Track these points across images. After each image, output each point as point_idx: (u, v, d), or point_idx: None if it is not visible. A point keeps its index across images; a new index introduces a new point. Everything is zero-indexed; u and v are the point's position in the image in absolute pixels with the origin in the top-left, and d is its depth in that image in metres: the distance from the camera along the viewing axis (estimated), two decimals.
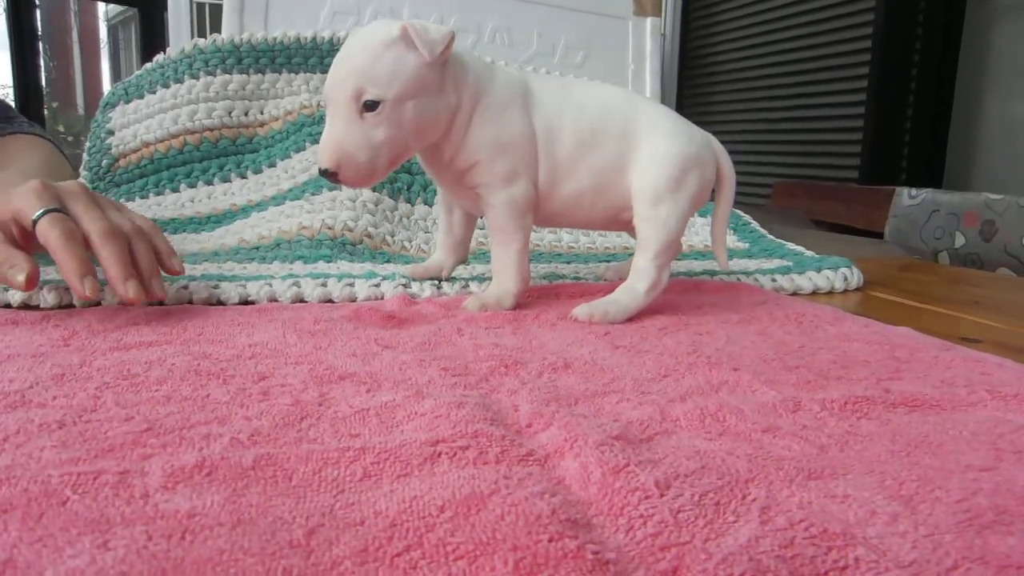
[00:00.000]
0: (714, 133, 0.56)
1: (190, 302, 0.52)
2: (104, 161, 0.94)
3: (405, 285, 0.57)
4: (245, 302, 0.53)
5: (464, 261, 0.61)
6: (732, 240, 0.84)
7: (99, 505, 0.23)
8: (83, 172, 0.95)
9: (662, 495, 0.24)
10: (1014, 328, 0.53)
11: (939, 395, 0.35)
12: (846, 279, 0.65)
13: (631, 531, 0.22)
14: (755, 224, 0.89)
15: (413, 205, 0.80)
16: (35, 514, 0.22)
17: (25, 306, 0.50)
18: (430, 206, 0.80)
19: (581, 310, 0.49)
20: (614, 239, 0.84)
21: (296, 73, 0.97)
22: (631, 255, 0.54)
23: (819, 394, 0.35)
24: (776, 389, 0.36)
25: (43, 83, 2.30)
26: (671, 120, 0.53)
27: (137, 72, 0.99)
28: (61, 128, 4.23)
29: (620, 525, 0.23)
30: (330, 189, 0.76)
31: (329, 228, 0.70)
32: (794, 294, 0.63)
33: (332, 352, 0.40)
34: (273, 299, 0.54)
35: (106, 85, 5.00)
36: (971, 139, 1.47)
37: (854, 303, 0.61)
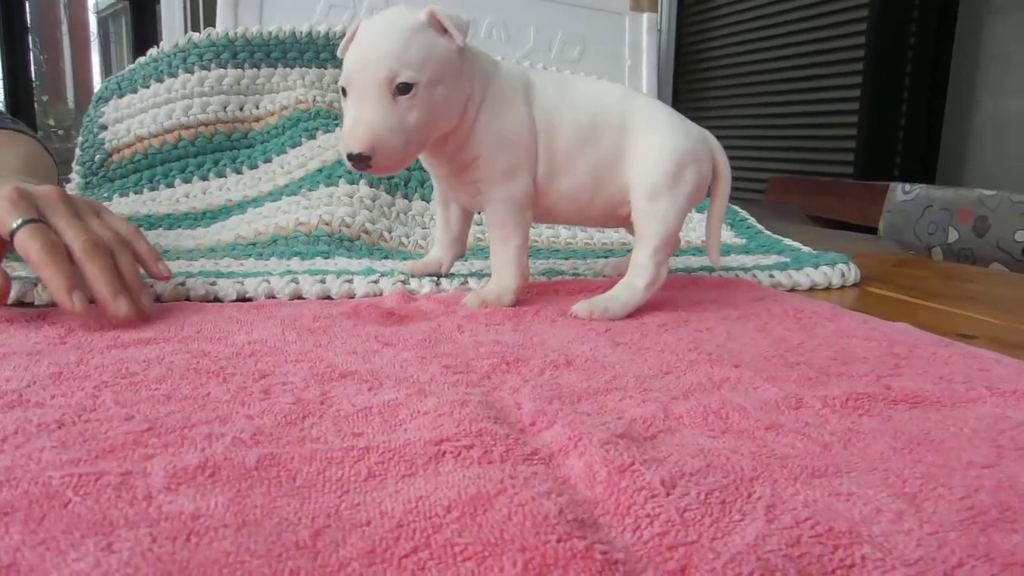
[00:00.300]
0: (709, 128, 0.56)
1: (187, 299, 0.52)
2: (97, 156, 0.93)
3: (404, 281, 0.57)
4: (243, 299, 0.53)
5: (462, 256, 0.61)
6: (729, 236, 0.84)
7: (102, 507, 0.23)
8: (76, 167, 0.94)
9: (668, 494, 0.24)
10: (1010, 324, 0.53)
11: (939, 391, 0.35)
12: (843, 275, 0.65)
13: (638, 530, 0.22)
14: (752, 220, 0.89)
15: (410, 201, 0.80)
16: (37, 517, 0.22)
17: (19, 303, 0.49)
18: (427, 202, 0.80)
19: (581, 307, 0.49)
20: (612, 235, 0.84)
21: (291, 68, 0.96)
22: (629, 251, 0.54)
23: (820, 391, 0.35)
24: (778, 386, 0.36)
25: (33, 76, 2.28)
26: (667, 116, 0.53)
27: (130, 66, 0.98)
28: (51, 122, 4.19)
29: (627, 524, 0.23)
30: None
31: (326, 224, 0.70)
32: (792, 290, 0.63)
33: (332, 349, 0.40)
34: (271, 296, 0.54)
35: (96, 78, 4.95)
36: (964, 135, 1.48)
37: (851, 299, 0.61)
